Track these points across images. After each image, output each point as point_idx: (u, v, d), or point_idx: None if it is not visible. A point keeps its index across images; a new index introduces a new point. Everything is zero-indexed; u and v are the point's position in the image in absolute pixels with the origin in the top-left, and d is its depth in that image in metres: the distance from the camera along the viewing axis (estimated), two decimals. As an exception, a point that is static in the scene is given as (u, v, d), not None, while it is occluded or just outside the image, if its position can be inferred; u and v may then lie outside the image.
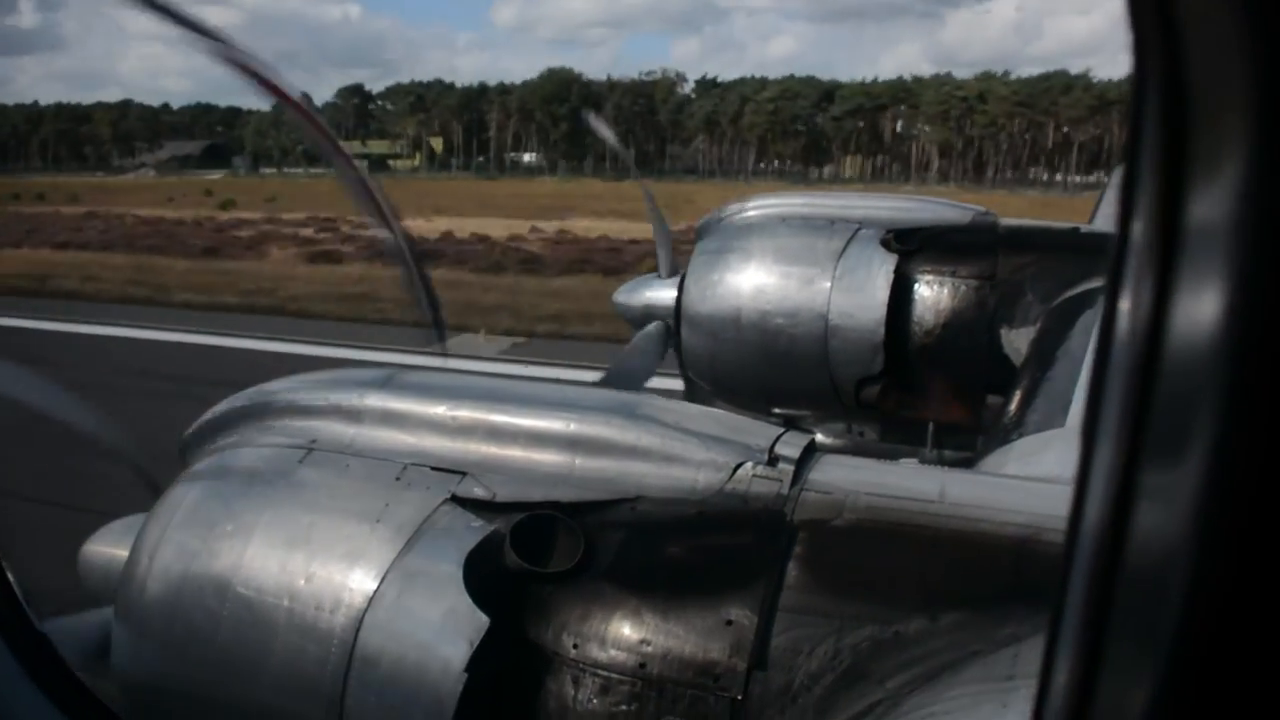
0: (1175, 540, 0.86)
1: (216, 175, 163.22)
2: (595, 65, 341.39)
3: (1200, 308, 0.83)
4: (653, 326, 7.62)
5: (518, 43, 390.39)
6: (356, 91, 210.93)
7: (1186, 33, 0.82)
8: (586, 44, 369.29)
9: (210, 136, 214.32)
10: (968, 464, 4.91)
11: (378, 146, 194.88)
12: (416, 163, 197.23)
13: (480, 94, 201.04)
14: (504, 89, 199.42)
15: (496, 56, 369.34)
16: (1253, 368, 0.80)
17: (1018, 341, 6.05)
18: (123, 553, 3.24)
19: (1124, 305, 0.90)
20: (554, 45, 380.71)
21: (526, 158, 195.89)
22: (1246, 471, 0.81)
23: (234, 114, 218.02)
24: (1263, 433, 0.80)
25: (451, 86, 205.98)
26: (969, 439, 6.19)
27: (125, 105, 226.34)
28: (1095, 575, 0.95)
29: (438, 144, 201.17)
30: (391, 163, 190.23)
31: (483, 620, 2.61)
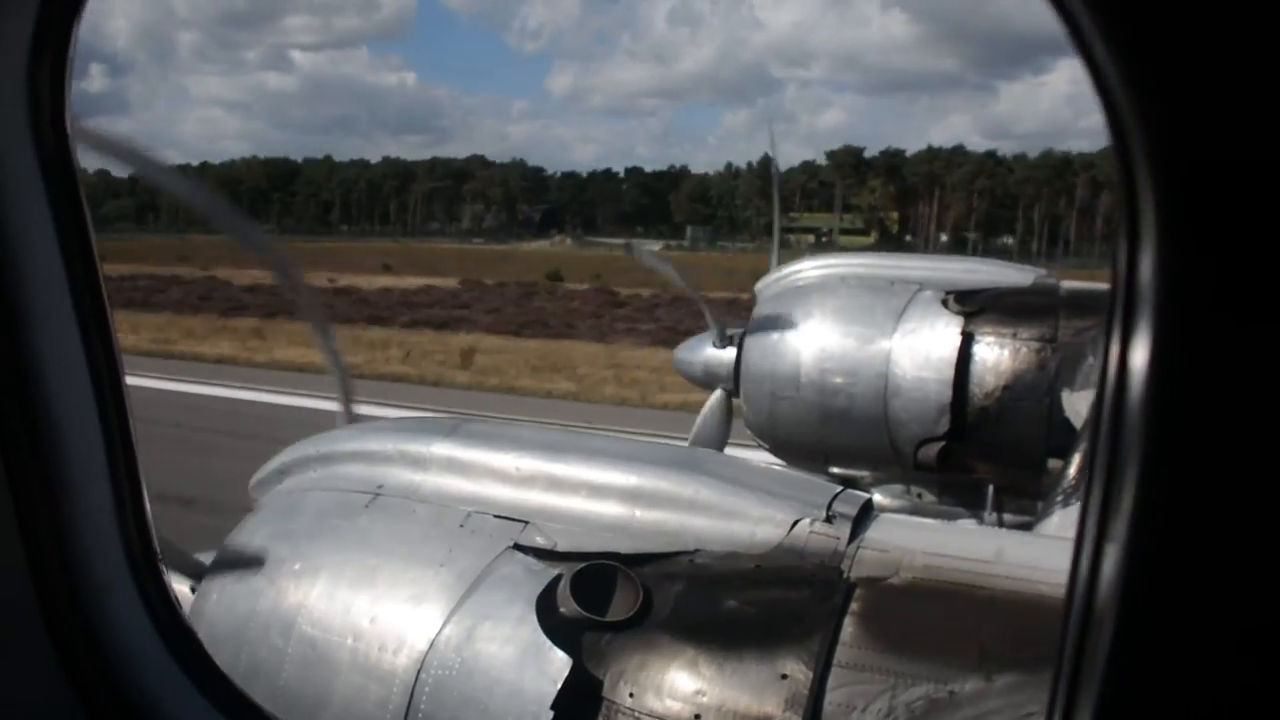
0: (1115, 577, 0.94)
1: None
2: (647, 135, 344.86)
3: (1134, 357, 0.91)
4: (715, 397, 7.71)
5: (571, 111, 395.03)
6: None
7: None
8: (639, 114, 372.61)
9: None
10: (1027, 529, 4.87)
11: (818, 219, 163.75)
12: (871, 239, 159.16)
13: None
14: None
15: (548, 125, 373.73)
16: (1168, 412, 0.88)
17: (1079, 405, 5.99)
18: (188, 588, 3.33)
19: (1110, 356, 0.97)
20: (606, 114, 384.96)
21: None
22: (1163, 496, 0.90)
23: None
24: (1177, 472, 0.88)
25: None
26: (1029, 503, 6.13)
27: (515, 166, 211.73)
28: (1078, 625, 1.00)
29: (894, 219, 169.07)
30: (833, 237, 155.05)
31: (565, 660, 2.65)
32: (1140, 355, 0.91)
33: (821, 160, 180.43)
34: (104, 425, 1.87)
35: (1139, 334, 0.91)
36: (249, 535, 3.27)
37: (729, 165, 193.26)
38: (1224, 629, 0.92)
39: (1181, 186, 0.85)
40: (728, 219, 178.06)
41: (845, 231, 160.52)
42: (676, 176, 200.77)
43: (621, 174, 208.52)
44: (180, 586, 3.44)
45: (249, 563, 3.15)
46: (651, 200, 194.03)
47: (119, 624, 1.93)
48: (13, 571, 1.74)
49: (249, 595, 3.07)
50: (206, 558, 3.37)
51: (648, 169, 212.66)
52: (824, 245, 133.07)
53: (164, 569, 2.05)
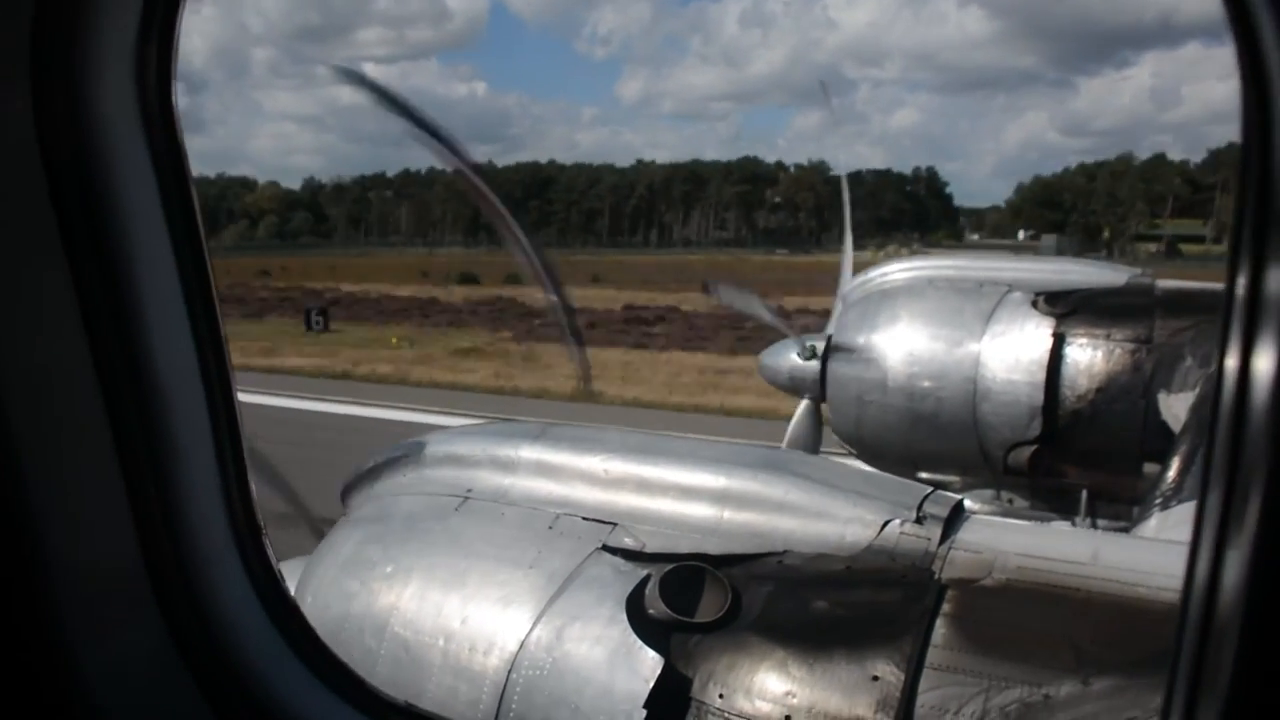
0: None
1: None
2: (716, 139, 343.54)
3: (1258, 362, 0.88)
4: (803, 407, 7.68)
5: (640, 116, 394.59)
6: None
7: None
8: (709, 118, 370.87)
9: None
10: (1123, 533, 4.77)
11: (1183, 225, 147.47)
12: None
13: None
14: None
15: (617, 130, 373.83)
16: None
17: (1176, 407, 5.85)
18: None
19: (1228, 363, 0.94)
20: (676, 119, 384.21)
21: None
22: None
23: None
24: None
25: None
26: (1123, 508, 5.99)
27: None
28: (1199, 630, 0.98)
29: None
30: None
31: (656, 659, 2.67)
32: (1265, 361, 0.89)
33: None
34: (209, 402, 1.92)
35: (1263, 339, 0.89)
36: (341, 539, 3.34)
37: (1081, 164, 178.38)
38: None
39: None
40: (1082, 225, 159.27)
41: (1182, 239, 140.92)
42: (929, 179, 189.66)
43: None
44: None
45: (342, 566, 3.21)
46: (913, 205, 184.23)
47: (224, 596, 1.98)
48: (123, 544, 1.80)
49: (343, 598, 3.13)
50: (300, 562, 3.46)
51: (895, 170, 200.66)
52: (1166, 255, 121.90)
53: (268, 544, 2.10)
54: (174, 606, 1.89)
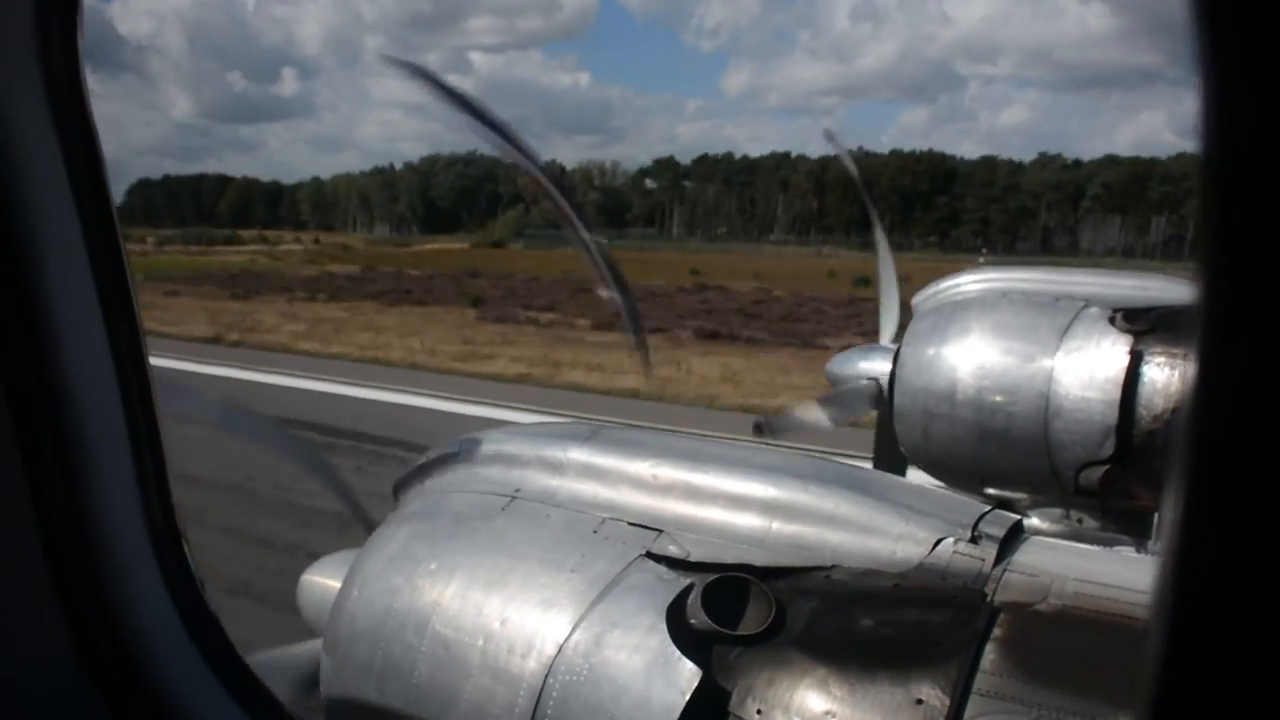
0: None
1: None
2: (818, 134, 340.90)
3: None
4: (867, 384, 7.55)
5: (744, 110, 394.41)
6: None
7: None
8: (814, 112, 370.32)
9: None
10: None
11: None
12: None
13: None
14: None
15: (719, 124, 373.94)
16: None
17: None
18: (336, 583, 3.44)
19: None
20: (780, 113, 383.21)
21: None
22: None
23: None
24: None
25: None
26: None
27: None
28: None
29: None
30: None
31: (694, 671, 2.61)
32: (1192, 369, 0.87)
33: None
34: (125, 400, 1.85)
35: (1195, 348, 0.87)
36: (390, 534, 3.35)
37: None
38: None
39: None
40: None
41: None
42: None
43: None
44: (333, 582, 3.56)
45: (389, 561, 3.22)
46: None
47: (139, 607, 1.92)
48: (27, 551, 1.73)
49: (387, 593, 3.13)
50: (350, 554, 3.47)
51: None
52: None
53: (188, 549, 2.04)
54: (82, 617, 1.82)
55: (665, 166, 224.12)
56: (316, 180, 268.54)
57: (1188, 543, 0.90)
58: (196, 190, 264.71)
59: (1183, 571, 0.91)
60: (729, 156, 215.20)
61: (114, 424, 1.85)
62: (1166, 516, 0.92)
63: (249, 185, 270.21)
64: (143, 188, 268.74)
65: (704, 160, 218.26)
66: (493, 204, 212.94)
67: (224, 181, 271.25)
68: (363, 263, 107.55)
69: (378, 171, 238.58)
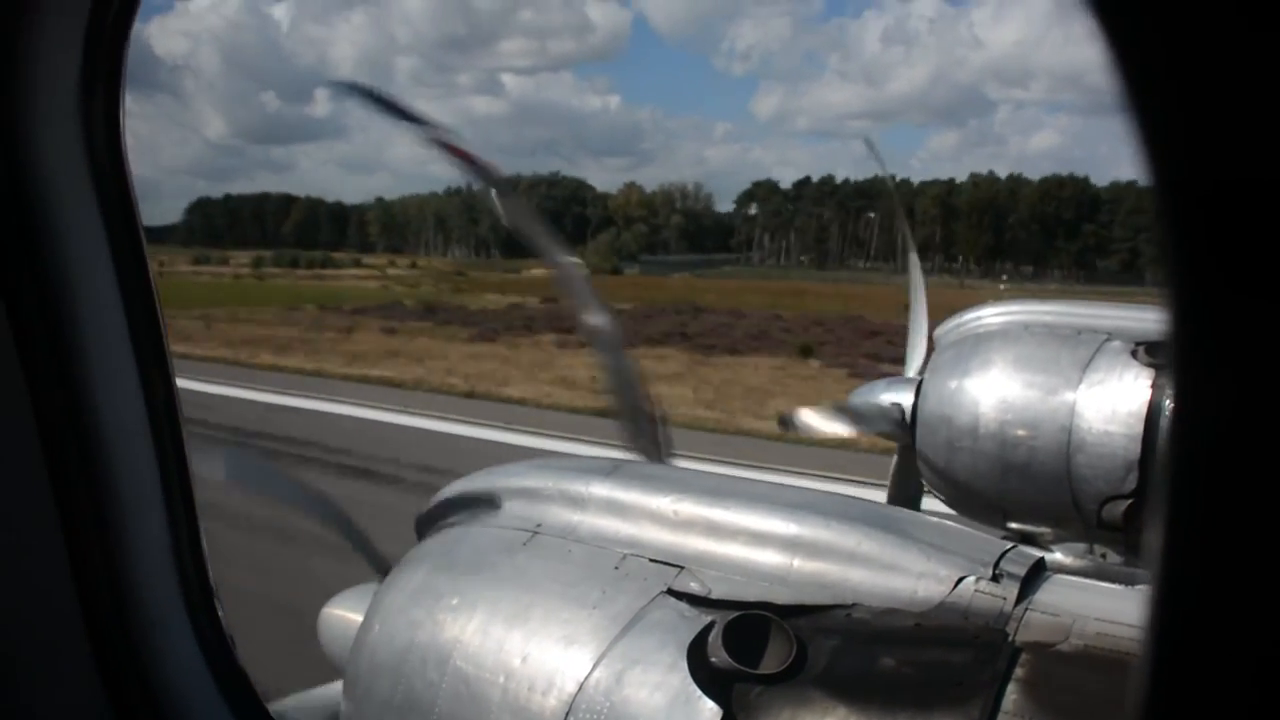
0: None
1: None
2: (850, 157, 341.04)
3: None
4: (891, 407, 7.54)
5: (773, 134, 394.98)
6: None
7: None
8: (844, 135, 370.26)
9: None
10: None
11: None
12: None
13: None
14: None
15: (747, 147, 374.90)
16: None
17: None
18: (357, 617, 3.45)
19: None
20: (810, 136, 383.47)
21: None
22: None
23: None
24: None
25: None
26: None
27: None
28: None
29: None
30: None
31: (715, 710, 2.62)
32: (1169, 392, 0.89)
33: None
34: (159, 457, 1.88)
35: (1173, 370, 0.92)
36: (412, 568, 3.36)
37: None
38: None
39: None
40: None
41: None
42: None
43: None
44: (355, 616, 3.57)
45: (410, 595, 3.24)
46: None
47: (171, 662, 1.94)
48: (64, 607, 1.75)
49: (409, 627, 3.15)
50: (371, 588, 3.49)
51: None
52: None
53: (219, 604, 2.06)
54: (116, 672, 1.84)
55: (770, 190, 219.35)
56: (381, 201, 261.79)
57: (1172, 568, 0.92)
58: (260, 210, 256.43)
59: (1168, 596, 0.93)
60: (836, 181, 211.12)
61: (148, 477, 1.88)
62: (1153, 543, 0.94)
63: (313, 205, 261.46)
64: (202, 207, 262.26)
65: (806, 184, 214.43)
66: (580, 226, 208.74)
67: (288, 201, 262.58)
68: (493, 290, 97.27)
69: (454, 193, 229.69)
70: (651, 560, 3.07)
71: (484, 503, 3.56)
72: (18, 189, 1.60)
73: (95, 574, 1.78)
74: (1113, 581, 3.29)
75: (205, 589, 2.01)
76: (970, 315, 7.49)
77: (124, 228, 1.78)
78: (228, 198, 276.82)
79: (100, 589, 1.80)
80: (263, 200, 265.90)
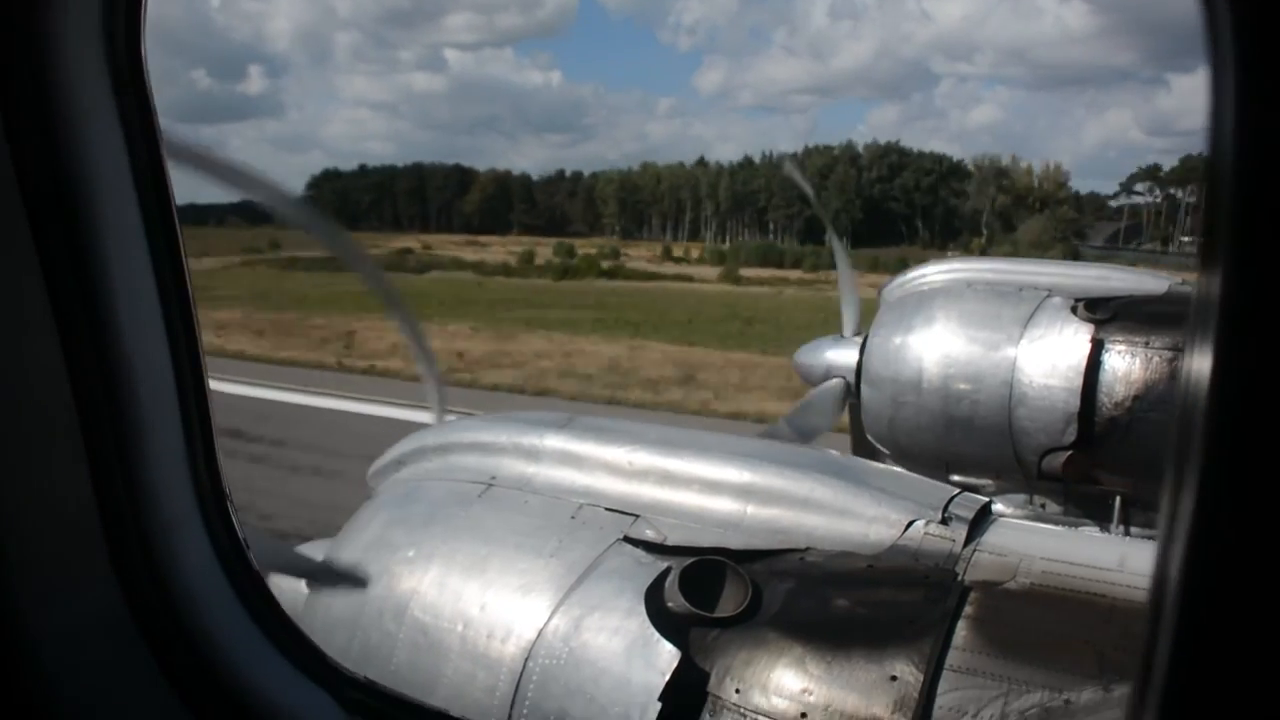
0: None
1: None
2: (791, 132, 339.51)
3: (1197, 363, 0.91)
4: (833, 383, 7.64)
5: (715, 109, 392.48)
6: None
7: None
8: (787, 110, 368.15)
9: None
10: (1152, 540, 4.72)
11: None
12: None
13: None
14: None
15: (688, 122, 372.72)
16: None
17: None
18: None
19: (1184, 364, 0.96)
20: (752, 111, 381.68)
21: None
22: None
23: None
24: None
25: None
26: (1157, 516, 5.90)
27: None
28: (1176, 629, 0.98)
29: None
30: None
31: (673, 653, 2.67)
32: (1201, 361, 0.91)
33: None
34: (175, 364, 1.92)
35: (1202, 340, 0.92)
36: (366, 521, 3.37)
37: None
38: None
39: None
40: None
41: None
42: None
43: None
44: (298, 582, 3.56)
45: (365, 549, 3.24)
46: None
47: (185, 563, 1.98)
48: (81, 506, 1.79)
49: (364, 580, 3.16)
50: (324, 544, 3.49)
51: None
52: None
53: (232, 509, 2.09)
54: (131, 571, 1.88)
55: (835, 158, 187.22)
56: (624, 173, 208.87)
57: (1199, 532, 0.94)
58: (416, 186, 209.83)
59: (1194, 561, 0.95)
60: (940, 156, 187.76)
61: (164, 385, 1.92)
62: (1170, 505, 0.96)
63: (500, 179, 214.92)
64: (329, 180, 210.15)
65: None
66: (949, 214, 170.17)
67: (461, 174, 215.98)
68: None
69: (700, 164, 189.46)
70: (607, 509, 3.11)
71: (438, 456, 3.57)
72: (46, 117, 1.64)
73: (112, 477, 1.82)
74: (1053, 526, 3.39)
75: (219, 493, 2.05)
76: (914, 273, 7.59)
77: (148, 155, 1.82)
78: (363, 169, 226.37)
79: (117, 492, 1.83)
80: (418, 173, 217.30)
